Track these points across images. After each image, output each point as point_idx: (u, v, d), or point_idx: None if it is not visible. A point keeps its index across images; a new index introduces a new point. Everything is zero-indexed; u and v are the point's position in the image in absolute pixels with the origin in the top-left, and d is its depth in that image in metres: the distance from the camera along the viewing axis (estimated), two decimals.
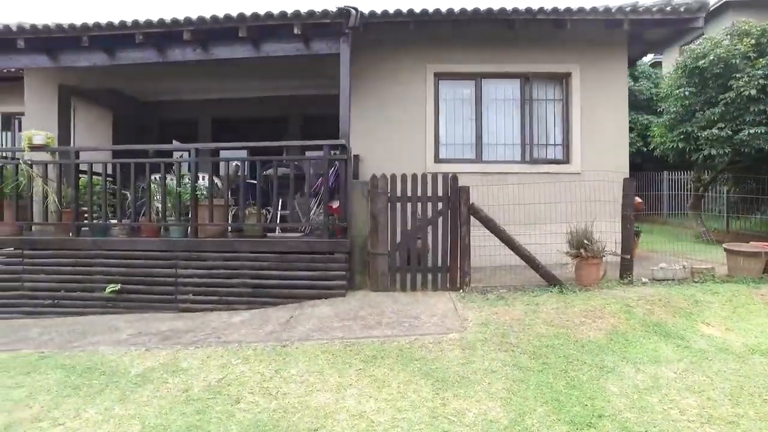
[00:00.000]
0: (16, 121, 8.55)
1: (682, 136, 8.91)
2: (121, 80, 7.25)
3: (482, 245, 5.37)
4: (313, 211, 5.74)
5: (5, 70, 7.11)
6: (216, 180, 5.60)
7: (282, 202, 6.14)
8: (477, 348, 3.80)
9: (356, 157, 6.32)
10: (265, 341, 4.07)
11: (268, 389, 3.28)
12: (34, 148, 5.27)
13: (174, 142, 8.82)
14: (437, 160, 6.65)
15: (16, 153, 5.59)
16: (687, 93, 8.81)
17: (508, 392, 3.18)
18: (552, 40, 6.57)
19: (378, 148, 6.53)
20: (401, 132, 6.62)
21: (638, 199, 6.49)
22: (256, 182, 5.41)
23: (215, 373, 3.54)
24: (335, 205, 5.50)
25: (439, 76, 6.69)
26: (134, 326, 4.79)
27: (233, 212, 5.75)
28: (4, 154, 6.23)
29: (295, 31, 5.25)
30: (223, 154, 7.39)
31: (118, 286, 5.19)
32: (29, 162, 5.29)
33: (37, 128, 6.44)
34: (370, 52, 6.58)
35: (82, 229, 5.56)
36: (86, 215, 5.57)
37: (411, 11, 5.82)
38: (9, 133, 8.40)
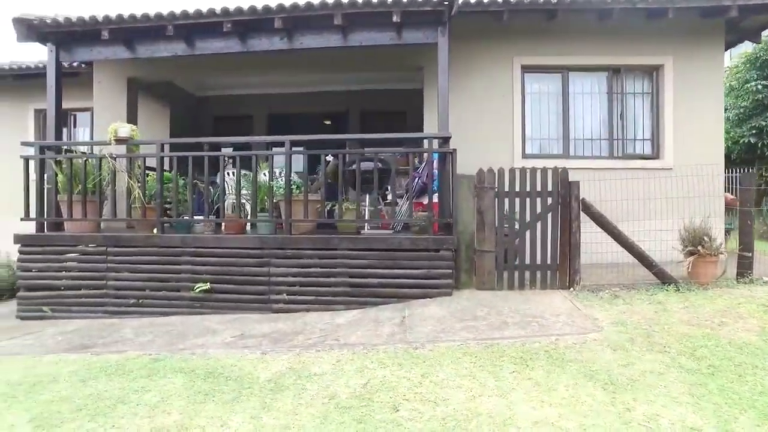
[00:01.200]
0: (72, 118, 8.37)
1: (754, 131, 8.53)
2: (180, 74, 7.02)
3: (583, 242, 5.07)
4: (402, 207, 5.45)
5: (72, 64, 6.92)
6: (293, 175, 5.31)
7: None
8: (628, 349, 3.48)
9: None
10: (390, 343, 3.77)
11: (423, 395, 2.98)
12: (119, 141, 5.05)
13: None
14: (524, 155, 6.34)
15: (89, 148, 5.40)
16: (759, 87, 8.43)
17: (692, 396, 2.85)
18: (643, 31, 6.25)
19: (464, 144, 6.23)
20: (487, 126, 6.32)
21: (731, 196, 6.17)
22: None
23: (355, 378, 3.24)
24: (425, 201, 5.22)
25: (525, 69, 6.39)
26: (232, 327, 4.52)
27: (327, 208, 5.47)
28: (84, 149, 6.03)
29: (394, 18, 4.98)
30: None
31: (208, 285, 4.93)
32: (113, 156, 5.06)
33: (110, 122, 6.26)
34: (456, 43, 6.29)
35: (164, 225, 5.32)
36: (168, 211, 5.34)
37: (506, 0, 5.55)
38: (65, 129, 8.23)
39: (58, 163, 5.22)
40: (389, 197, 5.70)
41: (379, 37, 5.33)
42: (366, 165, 5.17)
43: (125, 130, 5.04)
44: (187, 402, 3.03)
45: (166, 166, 5.35)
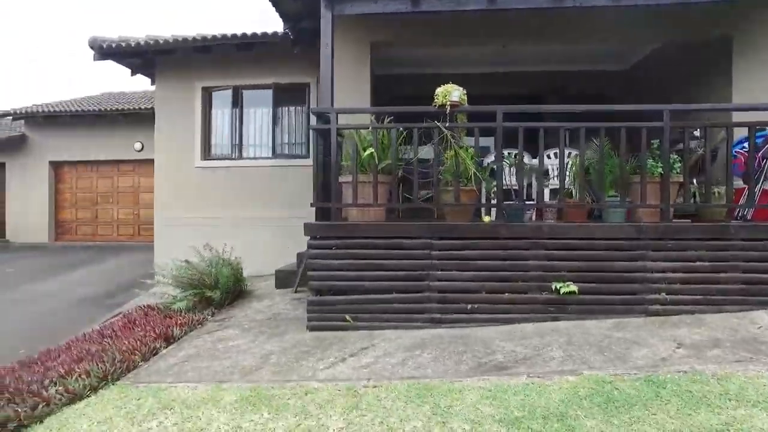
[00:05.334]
0: (240, 95, 7.28)
1: None
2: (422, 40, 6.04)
3: None
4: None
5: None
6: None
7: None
8: None
9: None
10: None
11: None
12: (453, 107, 4.08)
13: None
14: None
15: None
16: None
17: None
18: None
19: None
20: None
21: None
22: None
23: None
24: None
25: None
26: (638, 336, 3.59)
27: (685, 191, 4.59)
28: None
29: None
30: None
31: (571, 285, 3.98)
32: (448, 126, 4.09)
33: (349, 96, 5.28)
34: None
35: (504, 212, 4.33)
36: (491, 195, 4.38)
37: None
38: (235, 109, 7.19)
39: (359, 134, 4.20)
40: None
41: None
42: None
43: (457, 94, 4.08)
44: None
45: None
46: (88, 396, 3.28)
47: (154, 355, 4.00)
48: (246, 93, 7.41)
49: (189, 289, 5.14)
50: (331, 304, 4.17)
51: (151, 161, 12.05)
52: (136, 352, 3.90)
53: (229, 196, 7.39)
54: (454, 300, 4.12)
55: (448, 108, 4.06)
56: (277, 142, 7.31)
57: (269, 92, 7.25)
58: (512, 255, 4.12)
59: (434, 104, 4.15)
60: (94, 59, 7.01)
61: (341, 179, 4.26)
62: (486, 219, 4.28)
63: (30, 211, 12.09)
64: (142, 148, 11.69)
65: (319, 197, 4.37)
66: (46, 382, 3.44)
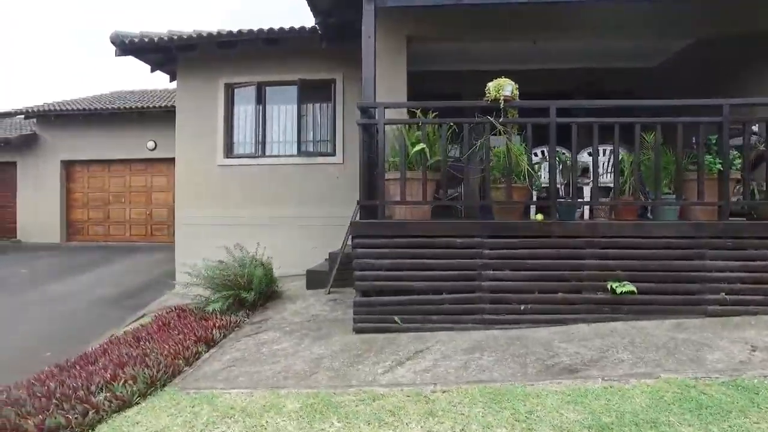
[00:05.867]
0: (264, 91, 7.14)
1: None
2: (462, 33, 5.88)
3: None
4: None
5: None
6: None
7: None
8: None
9: None
10: None
11: None
12: (506, 101, 3.94)
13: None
14: None
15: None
16: None
17: None
18: None
19: None
20: None
21: None
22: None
23: None
24: None
25: None
26: (705, 338, 3.46)
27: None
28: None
29: None
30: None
31: (629, 285, 3.85)
32: (501, 121, 3.94)
33: (386, 92, 5.15)
34: None
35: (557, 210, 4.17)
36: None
37: None
38: (256, 105, 7.06)
39: (410, 128, 4.07)
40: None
41: None
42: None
43: (509, 88, 3.94)
44: None
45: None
46: (137, 403, 3.13)
47: (197, 359, 3.86)
48: (270, 89, 7.25)
49: (222, 290, 5.00)
50: (379, 305, 4.03)
51: (164, 160, 11.99)
52: (179, 356, 3.76)
53: (252, 194, 7.24)
54: (506, 300, 3.98)
55: (502, 102, 3.92)
56: (302, 139, 7.16)
57: (294, 88, 7.08)
58: (566, 254, 3.99)
59: (486, 98, 4.01)
60: (116, 55, 6.84)
61: (387, 176, 4.12)
62: (538, 217, 4.14)
63: (41, 211, 11.91)
64: (155, 147, 11.53)
65: (364, 194, 4.23)
66: (93, 387, 3.29)
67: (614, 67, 7.61)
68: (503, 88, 3.94)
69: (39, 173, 11.98)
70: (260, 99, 7.26)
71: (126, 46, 6.76)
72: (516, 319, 3.96)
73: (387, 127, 4.28)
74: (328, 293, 5.52)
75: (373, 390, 2.98)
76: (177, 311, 5.15)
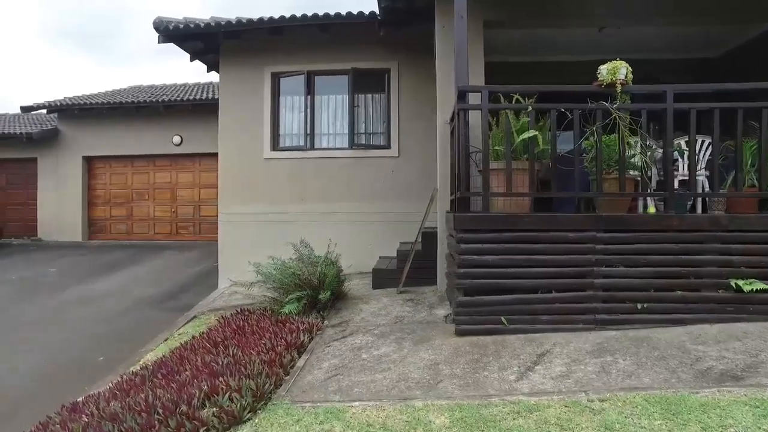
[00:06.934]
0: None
1: None
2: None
3: None
4: None
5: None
6: None
7: None
8: None
9: None
10: None
11: None
12: (621, 85, 3.64)
13: None
14: None
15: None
16: None
17: None
18: None
19: None
20: None
21: None
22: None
23: None
24: None
25: None
26: None
27: None
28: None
29: None
30: None
31: (757, 282, 3.57)
32: (618, 108, 3.64)
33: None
34: None
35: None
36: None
37: None
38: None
39: (518, 115, 3.78)
40: None
41: None
42: None
43: (624, 71, 3.64)
44: None
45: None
46: (248, 419, 2.83)
47: (292, 367, 3.56)
48: (319, 79, 6.92)
49: (295, 290, 4.69)
50: (484, 305, 3.73)
51: (190, 156, 11.64)
52: (274, 363, 3.46)
53: (300, 189, 6.92)
54: (620, 299, 3.70)
55: (619, 87, 3.62)
56: (354, 131, 6.84)
57: (345, 78, 6.76)
58: (684, 249, 3.70)
59: (599, 82, 3.71)
60: (159, 41, 6.50)
61: (492, 165, 3.81)
62: (651, 210, 3.86)
63: (62, 209, 11.54)
64: (181, 142, 11.18)
65: (459, 186, 3.93)
66: (194, 401, 2.99)
67: (671, 58, 7.27)
68: (618, 71, 3.65)
69: (60, 169, 11.60)
70: (309, 89, 6.92)
71: (170, 32, 6.41)
72: (629, 319, 3.68)
73: (473, 114, 4.01)
74: (400, 293, 5.23)
75: (520, 399, 2.70)
76: (245, 313, 4.84)
